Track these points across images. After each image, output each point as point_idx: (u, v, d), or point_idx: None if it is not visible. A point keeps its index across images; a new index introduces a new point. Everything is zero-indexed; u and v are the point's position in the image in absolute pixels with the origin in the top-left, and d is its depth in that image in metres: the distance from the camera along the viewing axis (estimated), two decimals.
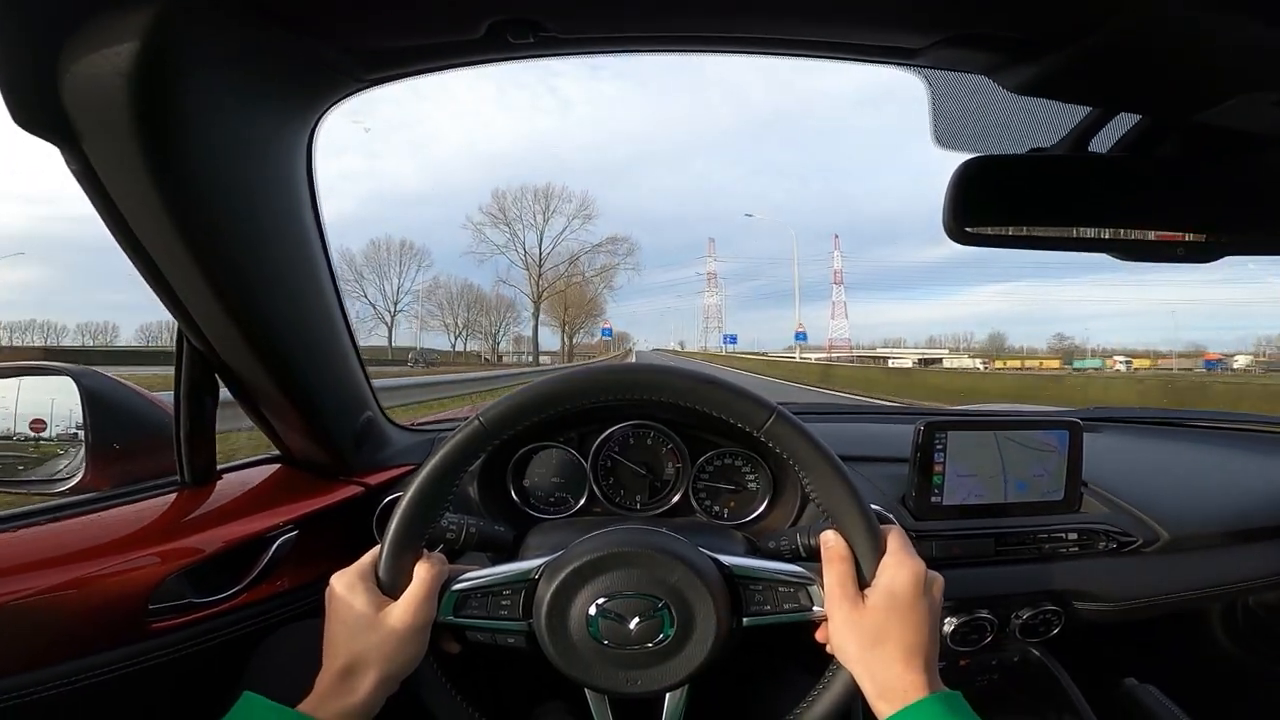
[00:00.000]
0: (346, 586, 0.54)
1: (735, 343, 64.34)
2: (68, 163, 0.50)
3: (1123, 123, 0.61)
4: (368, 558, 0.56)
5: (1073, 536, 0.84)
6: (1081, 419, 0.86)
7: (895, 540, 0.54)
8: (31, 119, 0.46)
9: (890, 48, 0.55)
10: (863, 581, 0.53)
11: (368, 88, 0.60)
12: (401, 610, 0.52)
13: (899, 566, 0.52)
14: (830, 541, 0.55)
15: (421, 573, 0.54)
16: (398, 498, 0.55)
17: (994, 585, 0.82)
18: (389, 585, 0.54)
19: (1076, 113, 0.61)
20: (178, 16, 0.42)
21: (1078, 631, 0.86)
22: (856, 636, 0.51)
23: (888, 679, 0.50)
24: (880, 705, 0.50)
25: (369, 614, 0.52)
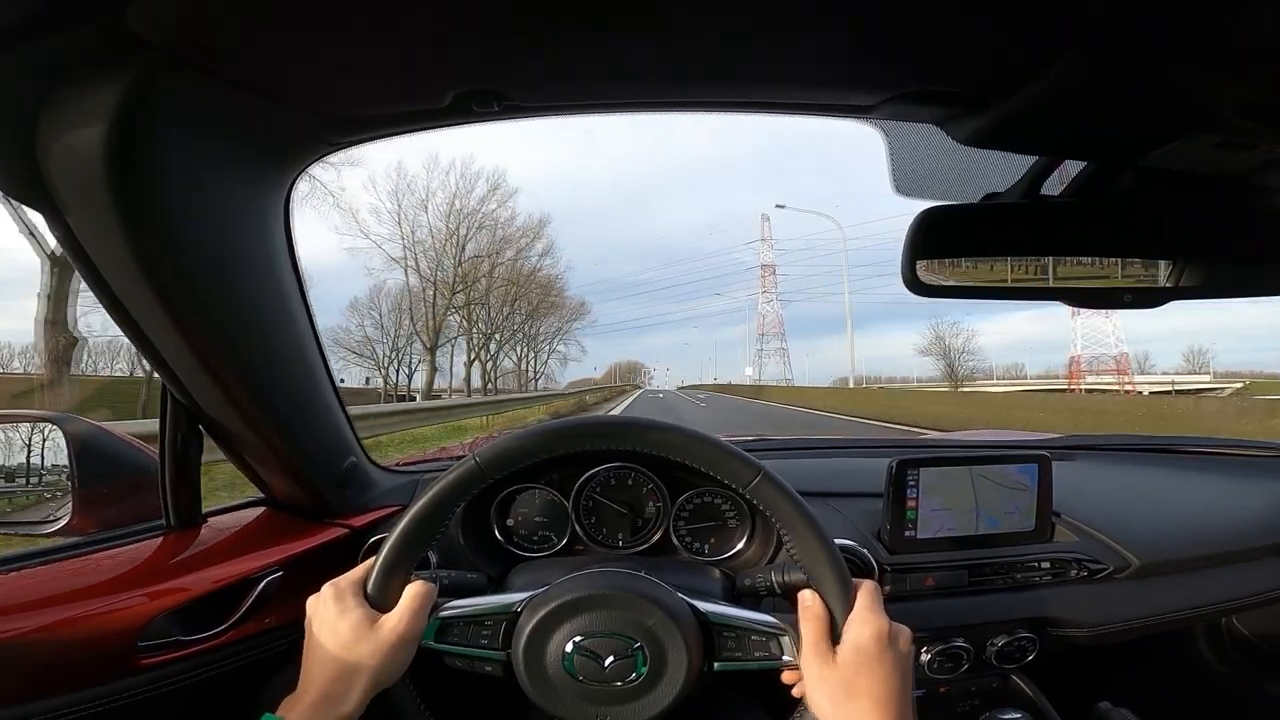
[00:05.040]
0: (337, 598, 0.55)
1: None
2: (51, 229, 0.52)
3: (1073, 166, 0.62)
4: (356, 572, 0.57)
5: (1045, 566, 0.85)
6: (1053, 448, 0.88)
7: (863, 598, 0.56)
8: (14, 188, 0.48)
9: (844, 105, 0.57)
10: (836, 638, 0.55)
11: (341, 149, 0.62)
12: (395, 620, 0.54)
13: (863, 623, 0.54)
14: (807, 601, 0.57)
15: (413, 589, 0.56)
16: (385, 538, 0.57)
17: (968, 615, 0.83)
18: (378, 601, 0.56)
19: (1029, 157, 0.63)
20: (151, 87, 0.44)
21: (1055, 657, 0.87)
22: (829, 692, 0.53)
23: None
24: None
25: (362, 624, 0.54)
